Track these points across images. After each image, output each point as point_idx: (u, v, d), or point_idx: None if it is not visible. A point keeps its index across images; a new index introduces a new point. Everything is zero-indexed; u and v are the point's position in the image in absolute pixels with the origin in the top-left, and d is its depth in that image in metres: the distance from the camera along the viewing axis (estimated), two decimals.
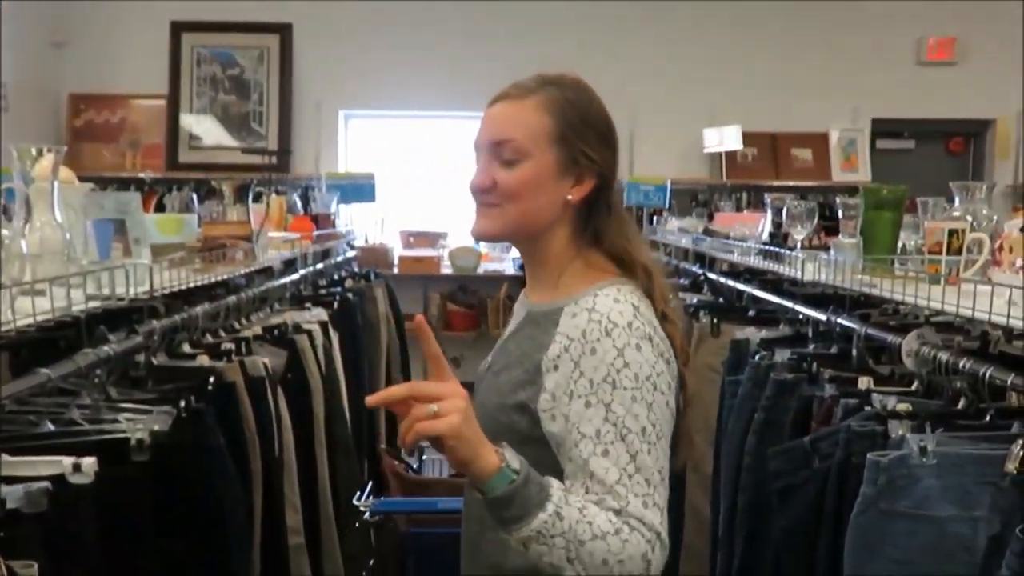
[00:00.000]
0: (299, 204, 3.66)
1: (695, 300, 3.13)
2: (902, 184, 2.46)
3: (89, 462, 1.06)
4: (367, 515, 2.38)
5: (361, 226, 6.20)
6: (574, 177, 1.28)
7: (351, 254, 4.41)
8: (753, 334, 2.37)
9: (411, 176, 6.52)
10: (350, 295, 3.23)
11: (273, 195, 2.99)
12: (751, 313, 2.79)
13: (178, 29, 6.23)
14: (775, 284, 3.12)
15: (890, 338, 1.69)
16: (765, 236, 3.10)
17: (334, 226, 3.93)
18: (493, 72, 6.16)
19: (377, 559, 2.48)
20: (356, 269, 4.46)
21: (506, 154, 1.25)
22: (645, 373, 1.13)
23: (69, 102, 6.26)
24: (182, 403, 1.42)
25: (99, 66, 6.22)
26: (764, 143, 6.34)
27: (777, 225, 2.84)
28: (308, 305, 2.75)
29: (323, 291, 3.25)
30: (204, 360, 1.78)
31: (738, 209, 5.46)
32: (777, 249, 2.52)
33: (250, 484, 1.77)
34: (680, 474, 2.88)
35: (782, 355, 2.01)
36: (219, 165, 6.02)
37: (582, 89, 1.32)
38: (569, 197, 1.27)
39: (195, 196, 2.84)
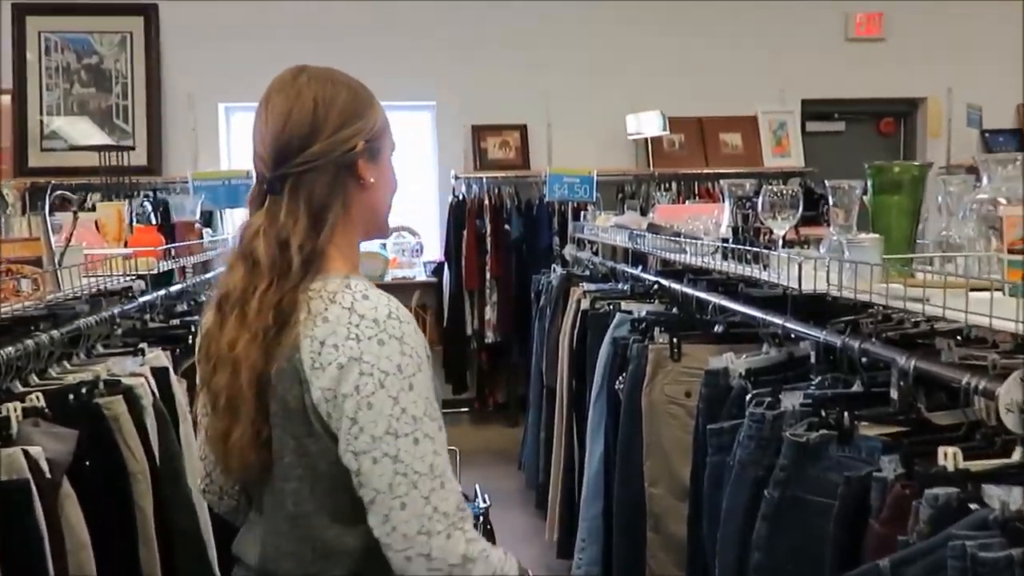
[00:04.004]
0: (152, 213, 2.94)
1: (643, 312, 2.58)
2: (834, 167, 2.00)
3: None
4: None
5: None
6: None
7: None
8: (732, 361, 1.81)
9: None
10: None
11: (99, 200, 2.27)
12: (718, 329, 2.24)
13: (21, 12, 5.36)
14: (730, 289, 2.60)
15: (966, 379, 1.14)
16: (725, 231, 2.56)
17: (201, 236, 3.22)
18: (389, 63, 5.56)
19: None
20: None
21: None
22: None
23: None
24: None
25: None
26: (691, 129, 5.88)
27: (744, 217, 2.30)
28: (143, 345, 2.06)
29: (176, 322, 2.55)
30: None
31: (678, 200, 4.95)
32: (758, 249, 1.97)
33: None
34: (631, 531, 2.32)
35: (790, 399, 1.45)
36: (78, 169, 5.16)
37: None
38: None
39: None
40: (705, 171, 5.76)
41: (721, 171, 5.76)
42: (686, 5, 5.81)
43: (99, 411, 1.57)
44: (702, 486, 1.70)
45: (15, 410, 1.37)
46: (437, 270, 5.63)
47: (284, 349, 1.06)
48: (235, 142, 5.78)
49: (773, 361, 1.82)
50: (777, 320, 1.77)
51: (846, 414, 1.30)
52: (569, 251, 4.32)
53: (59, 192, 2.06)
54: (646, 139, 5.69)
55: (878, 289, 1.41)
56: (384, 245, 5.75)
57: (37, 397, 1.48)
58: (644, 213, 4.55)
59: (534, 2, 5.69)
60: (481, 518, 1.95)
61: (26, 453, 1.28)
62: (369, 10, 5.55)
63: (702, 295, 2.18)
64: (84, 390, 1.60)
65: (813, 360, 1.67)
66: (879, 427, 1.29)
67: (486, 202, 5.48)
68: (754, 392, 1.58)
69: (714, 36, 5.84)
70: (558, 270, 4.03)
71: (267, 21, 5.49)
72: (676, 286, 2.40)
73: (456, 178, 5.56)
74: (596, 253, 4.32)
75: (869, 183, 1.75)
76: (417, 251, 5.80)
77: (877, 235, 1.56)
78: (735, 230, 2.39)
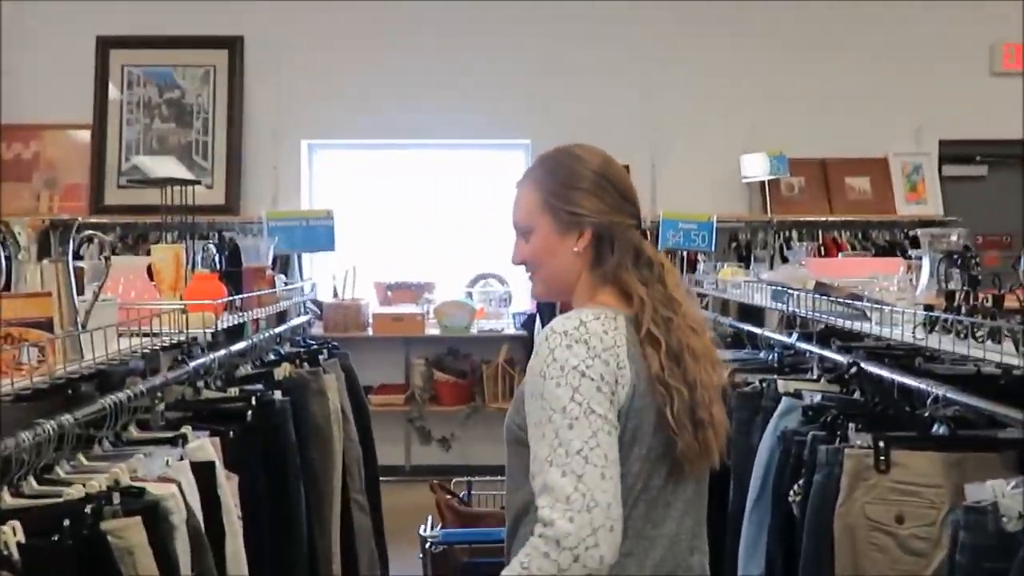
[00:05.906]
0: (216, 256, 2.54)
1: (816, 398, 2.01)
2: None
3: None
4: (430, 545, 2.57)
5: (327, 278, 5.12)
6: (576, 232, 1.46)
7: (301, 320, 3.29)
8: (1003, 492, 1.25)
9: (389, 217, 5.43)
10: (278, 395, 2.10)
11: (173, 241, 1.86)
12: (939, 429, 1.67)
13: (106, 45, 5.17)
14: (902, 363, 2.06)
15: None
16: (921, 294, 2.00)
17: (272, 284, 2.81)
18: (488, 99, 5.09)
19: None
20: (310, 339, 3.34)
21: (521, 232, 1.52)
22: (572, 364, 1.30)
23: None
24: None
25: (10, 90, 5.13)
26: (813, 171, 5.29)
27: (969, 280, 1.73)
28: (186, 430, 1.61)
29: (234, 390, 2.11)
30: None
31: (823, 253, 4.38)
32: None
33: None
34: None
35: None
36: (155, 207, 4.90)
37: (567, 156, 1.50)
38: (575, 249, 1.46)
39: (2, 250, 1.71)
40: (829, 218, 5.16)
41: (847, 218, 5.18)
42: (810, 37, 5.27)
43: (105, 544, 1.11)
44: None
45: None
46: (528, 322, 5.13)
47: None
48: (317, 181, 5.45)
49: None
50: None
51: None
52: None
53: (88, 232, 1.65)
54: (762, 182, 5.13)
55: None
56: (470, 294, 5.30)
57: (14, 530, 1.02)
58: (771, 266, 3.99)
59: (636, 31, 5.23)
60: None
61: None
62: (459, 45, 5.19)
63: (932, 388, 1.61)
64: (88, 509, 1.14)
65: None
66: None
67: None
68: None
69: (841, 70, 5.26)
70: None
71: (353, 58, 5.19)
72: (884, 372, 1.83)
73: None
74: (706, 308, 3.78)
75: None
76: (505, 301, 5.33)
77: None
78: (949, 295, 1.83)
